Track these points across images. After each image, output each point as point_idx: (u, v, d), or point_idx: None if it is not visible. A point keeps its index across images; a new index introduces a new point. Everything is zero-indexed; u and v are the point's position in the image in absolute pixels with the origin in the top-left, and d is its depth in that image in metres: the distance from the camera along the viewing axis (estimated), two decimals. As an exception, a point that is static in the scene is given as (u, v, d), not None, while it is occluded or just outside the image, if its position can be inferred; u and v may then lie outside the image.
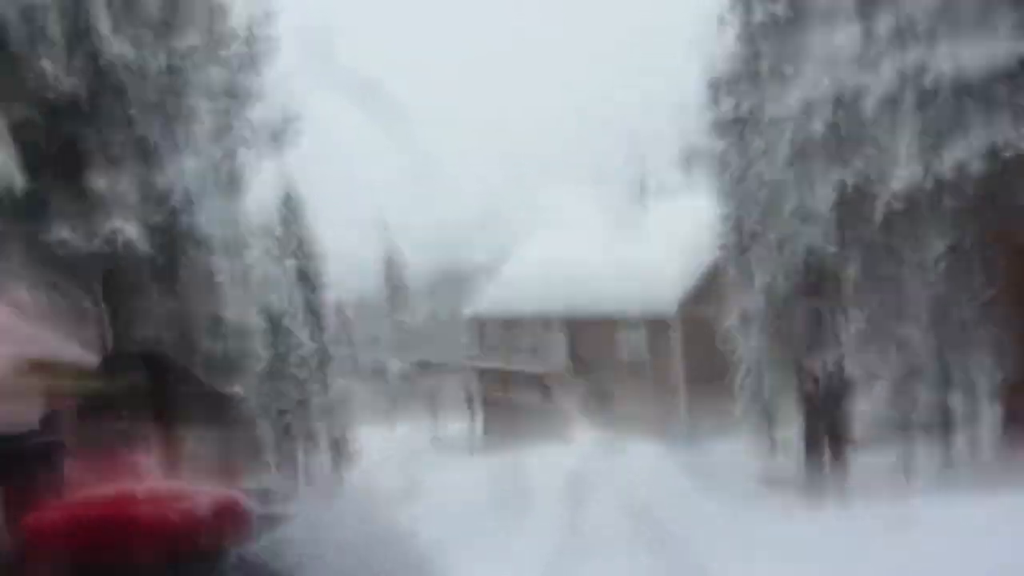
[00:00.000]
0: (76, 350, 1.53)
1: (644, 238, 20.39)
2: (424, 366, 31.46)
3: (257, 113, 11.17)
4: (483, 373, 26.89)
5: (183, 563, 1.18)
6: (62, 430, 1.39)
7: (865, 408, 15.20)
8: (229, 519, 1.26)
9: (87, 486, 1.27)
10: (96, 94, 9.15)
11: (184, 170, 9.58)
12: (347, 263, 31.88)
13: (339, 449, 22.87)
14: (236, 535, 1.24)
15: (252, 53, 10.83)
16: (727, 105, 14.86)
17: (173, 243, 9.80)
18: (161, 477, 1.40)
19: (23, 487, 1.27)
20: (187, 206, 9.65)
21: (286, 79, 11.84)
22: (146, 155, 9.55)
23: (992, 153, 10.27)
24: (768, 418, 15.60)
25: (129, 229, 8.85)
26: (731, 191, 15.23)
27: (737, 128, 14.77)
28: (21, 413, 1.38)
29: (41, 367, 1.49)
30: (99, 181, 8.97)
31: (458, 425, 29.34)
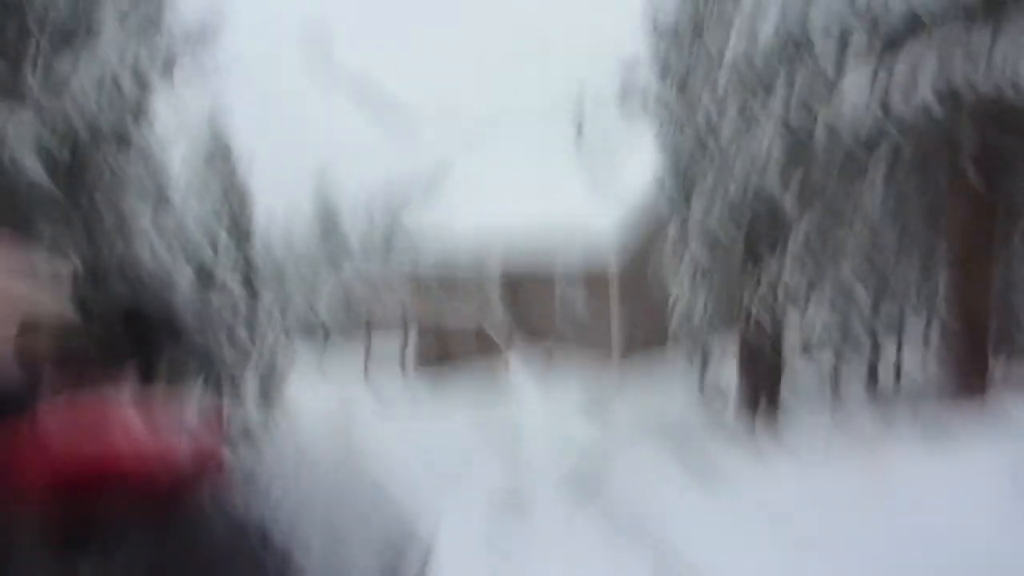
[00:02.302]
0: (57, 306, 1.34)
1: (584, 189, 20.11)
2: (363, 322, 31.08)
3: (172, 23, 10.44)
4: (423, 329, 26.64)
5: (166, 517, 1.15)
6: (45, 387, 1.32)
7: (798, 322, 15.27)
8: (212, 474, 1.24)
9: (70, 443, 1.20)
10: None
11: (92, 102, 8.87)
12: (285, 216, 31.24)
13: (270, 400, 22.48)
14: (218, 490, 1.20)
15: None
16: (672, 51, 14.53)
17: (83, 183, 9.14)
18: (144, 433, 1.28)
19: (5, 445, 1.20)
20: (96, 143, 8.98)
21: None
22: (50, 86, 8.83)
23: (950, 95, 10.04)
24: (702, 338, 15.55)
25: (25, 117, 8.20)
26: (675, 140, 14.92)
27: (681, 74, 14.44)
28: (2, 370, 1.32)
29: (23, 324, 1.37)
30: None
31: (398, 381, 29.20)
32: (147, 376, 1.47)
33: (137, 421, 1.25)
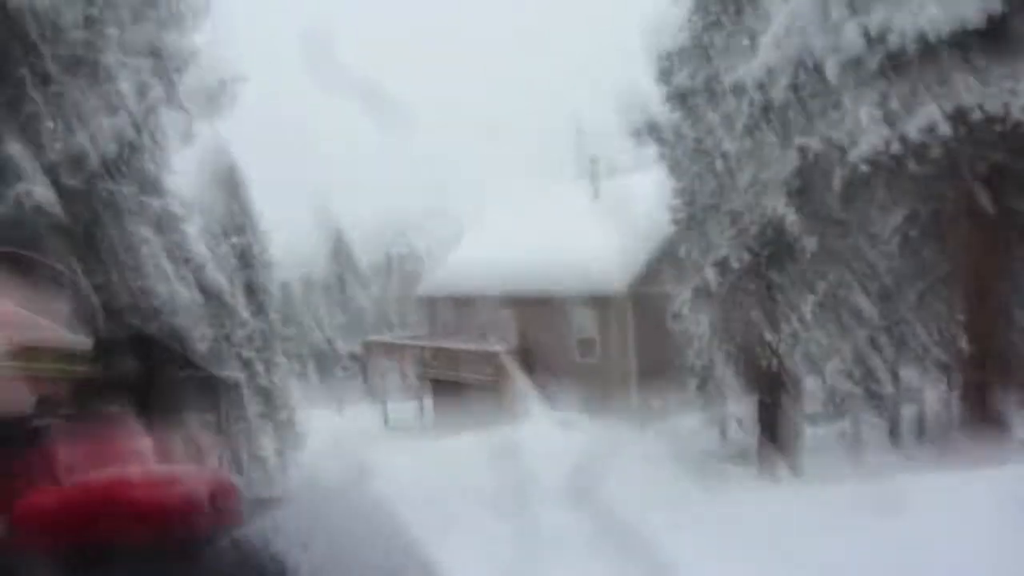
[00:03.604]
0: (67, 332, 1.35)
1: (595, 217, 20.19)
2: (373, 346, 31.10)
3: (189, 75, 10.59)
4: (434, 354, 26.58)
5: (177, 546, 1.12)
6: (54, 414, 1.33)
7: (818, 382, 15.17)
8: (222, 502, 1.22)
9: (79, 470, 1.22)
10: (6, 46, 8.54)
11: (102, 131, 9.00)
12: (293, 242, 31.54)
13: (284, 431, 22.43)
14: (229, 518, 1.18)
15: (180, 11, 10.24)
16: (681, 76, 14.62)
17: (91, 210, 9.22)
18: (154, 460, 1.35)
19: (14, 472, 1.22)
20: (106, 170, 9.07)
21: (226, 43, 11.32)
22: (61, 115, 8.96)
23: (958, 116, 10.07)
24: (720, 395, 15.44)
25: (39, 192, 8.28)
26: (685, 164, 15.00)
27: (692, 99, 14.53)
28: (12, 397, 1.33)
29: (32, 350, 1.38)
30: (11, 143, 8.39)
31: (408, 406, 29.07)
32: (158, 404, 1.47)
33: (147, 450, 1.28)
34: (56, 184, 8.59)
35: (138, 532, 1.15)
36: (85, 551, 1.14)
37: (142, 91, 9.52)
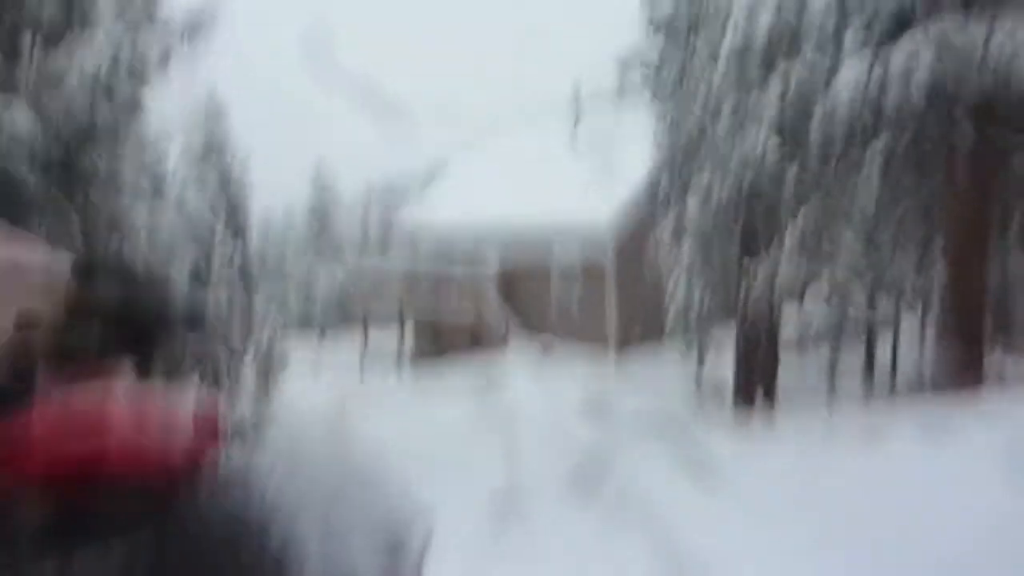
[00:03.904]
0: (48, 256, 1.32)
1: (578, 154, 20.08)
2: (354, 272, 31.02)
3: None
4: (414, 280, 26.55)
5: (160, 480, 1.15)
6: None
7: (795, 312, 15.30)
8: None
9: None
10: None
11: (80, 48, 8.80)
12: (274, 168, 31.25)
13: (265, 358, 22.45)
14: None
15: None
16: (666, 2, 14.48)
17: (70, 127, 9.06)
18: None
19: None
20: (85, 88, 8.89)
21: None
22: (39, 31, 8.76)
23: (942, 47, 10.00)
24: (699, 324, 15.53)
25: (16, 109, 8.13)
26: (668, 96, 14.90)
27: (676, 25, 14.39)
28: None
29: (13, 276, 1.37)
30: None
31: (388, 332, 29.11)
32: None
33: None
34: (35, 101, 8.43)
35: (124, 499, 1.15)
36: (72, 518, 1.14)
37: (121, 7, 9.30)
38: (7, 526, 1.14)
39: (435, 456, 11.55)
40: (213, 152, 21.91)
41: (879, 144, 12.32)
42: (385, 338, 28.89)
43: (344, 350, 30.85)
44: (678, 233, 15.00)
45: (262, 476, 1.18)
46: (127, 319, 1.41)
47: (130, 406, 1.26)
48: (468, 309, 24.00)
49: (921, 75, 10.08)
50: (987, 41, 9.79)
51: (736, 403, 14.80)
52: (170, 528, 1.12)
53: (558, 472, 10.71)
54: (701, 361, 16.54)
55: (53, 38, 8.90)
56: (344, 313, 35.86)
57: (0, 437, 1.18)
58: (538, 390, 17.36)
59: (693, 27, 14.11)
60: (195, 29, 10.59)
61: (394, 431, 12.71)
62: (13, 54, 8.84)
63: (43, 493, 1.14)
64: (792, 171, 12.93)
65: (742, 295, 13.93)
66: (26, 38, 8.78)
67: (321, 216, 45.99)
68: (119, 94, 9.48)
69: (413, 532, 1.26)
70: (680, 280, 15.27)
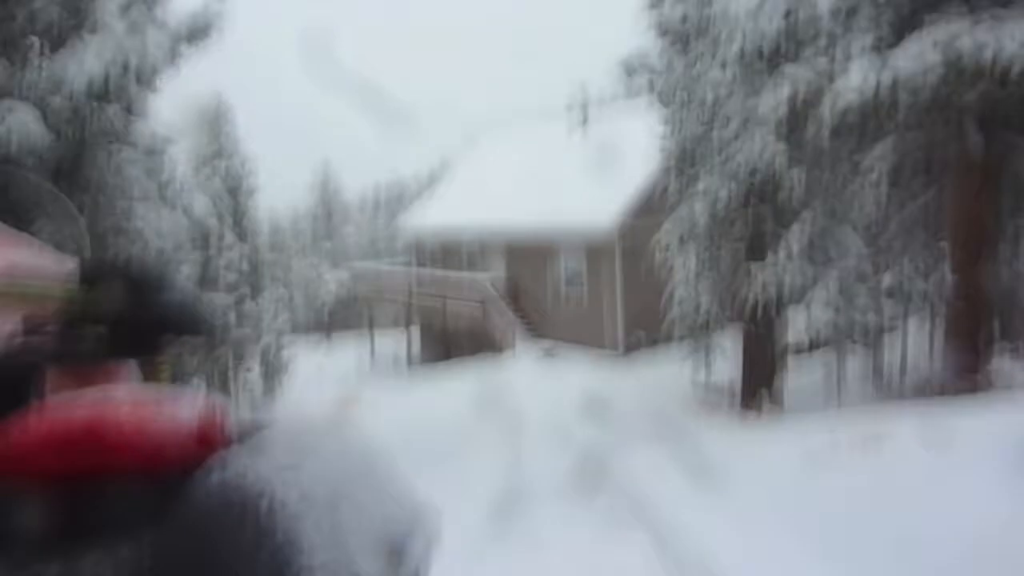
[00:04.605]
0: (53, 258, 1.34)
1: (584, 157, 20.08)
2: (359, 274, 31.06)
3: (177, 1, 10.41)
4: (420, 283, 26.58)
5: (163, 477, 1.16)
6: (40, 343, 1.36)
7: (802, 313, 15.26)
8: (209, 432, 1.25)
9: (66, 400, 1.22)
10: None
11: (87, 51, 8.82)
12: (280, 170, 31.32)
13: (270, 360, 22.51)
14: (216, 449, 1.21)
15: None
16: (671, 6, 14.44)
17: (76, 131, 9.08)
18: (141, 391, 1.32)
19: (2, 405, 1.23)
20: (91, 91, 8.91)
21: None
22: (45, 35, 8.79)
23: (949, 52, 9.97)
24: (705, 327, 15.52)
25: (24, 112, 8.15)
26: (673, 96, 14.88)
27: (682, 31, 14.37)
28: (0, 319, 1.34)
29: (18, 278, 1.38)
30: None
31: (394, 335, 29.13)
32: (147, 374, 1.46)
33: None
34: (40, 105, 8.46)
35: (129, 496, 1.16)
36: (77, 516, 1.15)
37: (126, 10, 9.33)
38: (10, 527, 1.14)
39: (438, 456, 11.58)
40: (219, 156, 21.94)
41: (885, 148, 12.31)
42: (391, 341, 28.93)
43: (350, 353, 30.89)
44: (683, 237, 15.00)
45: (265, 477, 1.16)
46: (132, 323, 1.42)
47: (134, 408, 1.26)
48: (473, 312, 24.01)
49: (927, 78, 10.05)
50: (999, 28, 9.76)
51: (741, 407, 14.79)
52: (173, 530, 1.12)
53: (559, 472, 10.73)
54: (706, 365, 16.52)
55: (59, 42, 8.93)
56: (350, 316, 35.90)
57: (5, 438, 1.18)
58: (542, 393, 17.36)
59: (698, 31, 14.09)
60: (199, 32, 10.63)
61: (398, 432, 12.73)
62: (19, 58, 8.88)
63: (47, 494, 1.15)
64: (796, 175, 12.93)
65: (746, 299, 13.92)
66: (32, 42, 8.81)
67: (326, 220, 46.07)
68: (124, 98, 9.51)
69: (417, 534, 1.27)
70: (685, 284, 15.27)
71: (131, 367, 1.42)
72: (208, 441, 1.25)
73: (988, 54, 9.67)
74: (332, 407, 18.33)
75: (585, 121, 25.11)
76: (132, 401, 1.27)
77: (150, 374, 1.43)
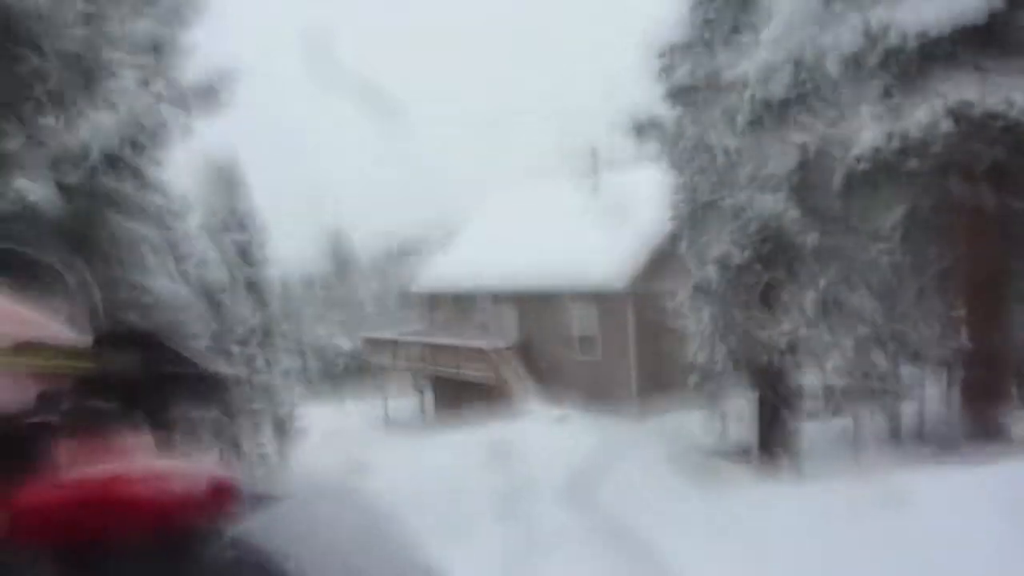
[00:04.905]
0: (66, 328, 1.32)
1: (594, 214, 20.15)
2: (373, 343, 31.08)
3: (188, 70, 10.56)
4: (433, 350, 26.56)
5: (177, 544, 1.09)
6: (54, 410, 1.24)
7: (818, 379, 15.17)
8: (223, 498, 1.16)
9: (79, 466, 1.15)
10: (5, 42, 8.51)
11: (102, 126, 8.96)
12: (292, 238, 31.55)
13: (284, 428, 22.43)
14: (229, 515, 1.13)
15: (179, 5, 10.21)
16: (682, 72, 14.59)
17: (90, 205, 9.18)
18: (153, 457, 1.25)
19: (13, 468, 1.14)
20: (106, 165, 9.03)
21: (225, 38, 11.30)
22: (60, 111, 8.93)
23: (959, 113, 10.04)
24: (720, 392, 15.44)
25: (39, 187, 8.25)
26: (685, 159, 14.97)
27: (692, 95, 14.51)
28: (11, 393, 1.22)
29: (31, 346, 1.36)
30: (10, 138, 8.37)
31: (407, 403, 29.06)
32: (157, 401, 1.45)
33: (146, 447, 1.24)
34: (55, 179, 8.56)
35: (136, 529, 1.09)
36: (82, 548, 1.09)
37: (141, 86, 9.49)
38: (21, 572, 1.09)
39: (448, 515, 11.47)
40: (231, 223, 22.11)
41: (897, 213, 12.34)
42: (404, 406, 28.85)
43: (363, 414, 30.80)
44: (695, 297, 14.99)
45: (276, 544, 1.11)
46: (145, 389, 1.42)
47: (145, 475, 1.19)
48: (486, 372, 23.95)
49: (939, 105, 10.11)
50: (1004, 72, 9.83)
51: (758, 467, 14.63)
52: (185, 570, 1.08)
53: (571, 530, 10.61)
54: (722, 424, 16.41)
55: (70, 111, 9.06)
56: (363, 383, 35.84)
57: (15, 503, 1.11)
58: (555, 453, 17.24)
59: (708, 95, 14.22)
60: (211, 96, 10.78)
61: (411, 492, 12.62)
62: (30, 125, 9.00)
63: (58, 541, 1.10)
64: (811, 237, 12.95)
65: (762, 358, 13.86)
66: (43, 111, 8.94)
67: (339, 281, 46.23)
68: (135, 168, 9.64)
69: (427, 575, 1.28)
70: (699, 344, 15.22)
71: (144, 435, 1.42)
72: (219, 507, 1.16)
73: (998, 107, 9.74)
74: (344, 467, 18.21)
75: (597, 178, 25.31)
76: (143, 472, 1.19)
77: (163, 443, 1.42)
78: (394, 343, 29.26)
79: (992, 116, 9.94)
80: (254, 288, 21.75)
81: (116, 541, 1.10)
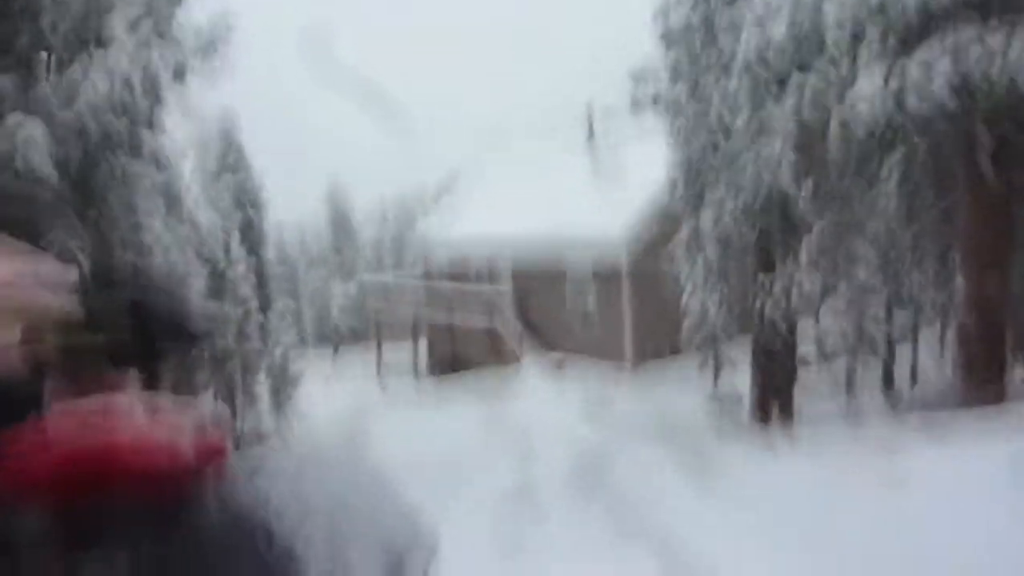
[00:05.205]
0: (56, 271, 1.34)
1: (595, 185, 20.06)
2: (368, 286, 31.06)
3: (182, 10, 10.45)
4: (429, 295, 26.56)
5: (168, 507, 1.16)
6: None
7: (812, 324, 15.20)
8: (212, 460, 1.26)
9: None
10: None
11: (94, 65, 8.86)
12: (288, 184, 31.41)
13: (278, 371, 22.49)
14: (220, 482, 1.22)
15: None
16: (678, 15, 14.42)
17: (85, 145, 9.10)
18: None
19: (4, 432, 1.22)
20: (99, 105, 8.94)
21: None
22: (55, 53, 8.85)
23: (962, 87, 9.94)
24: (714, 339, 15.45)
25: (32, 128, 8.18)
26: (681, 110, 14.84)
27: (689, 38, 14.34)
28: (6, 359, 1.35)
29: (17, 293, 1.39)
30: (1, 77, 8.28)
31: (402, 349, 29.09)
32: (151, 383, 1.45)
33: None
34: (49, 120, 8.49)
35: (133, 504, 1.16)
36: (81, 523, 1.15)
37: (134, 26, 9.36)
38: (15, 533, 1.14)
39: (445, 467, 11.54)
40: (227, 169, 22.00)
41: (896, 156, 12.26)
42: (399, 353, 28.90)
43: (358, 365, 30.89)
44: (692, 248, 14.95)
45: (270, 481, 1.17)
46: (137, 332, 1.41)
47: (137, 417, 1.26)
48: (482, 325, 23.97)
49: (940, 78, 10.00)
50: (1007, 44, 9.71)
51: (753, 418, 14.71)
52: (176, 536, 1.12)
53: (566, 483, 10.69)
54: (717, 376, 16.47)
55: (68, 57, 8.97)
56: (359, 328, 35.91)
57: (10, 446, 1.18)
58: (551, 404, 17.33)
59: (706, 40, 14.06)
60: (208, 46, 10.67)
61: (406, 445, 12.68)
62: (28, 74, 8.92)
63: (50, 501, 1.15)
64: (808, 185, 12.87)
65: (758, 310, 13.85)
66: (40, 57, 8.85)
67: (337, 228, 46.14)
68: (133, 112, 9.54)
69: (417, 548, 1.26)
70: (695, 295, 15.21)
71: (132, 376, 1.40)
72: (207, 452, 1.25)
73: (998, 61, 9.63)
74: (339, 418, 18.31)
75: (593, 131, 25.14)
76: (135, 411, 1.27)
77: (151, 383, 1.42)
78: (389, 286, 29.26)
79: (996, 90, 9.86)
80: (248, 229, 21.71)
81: (108, 504, 1.16)
